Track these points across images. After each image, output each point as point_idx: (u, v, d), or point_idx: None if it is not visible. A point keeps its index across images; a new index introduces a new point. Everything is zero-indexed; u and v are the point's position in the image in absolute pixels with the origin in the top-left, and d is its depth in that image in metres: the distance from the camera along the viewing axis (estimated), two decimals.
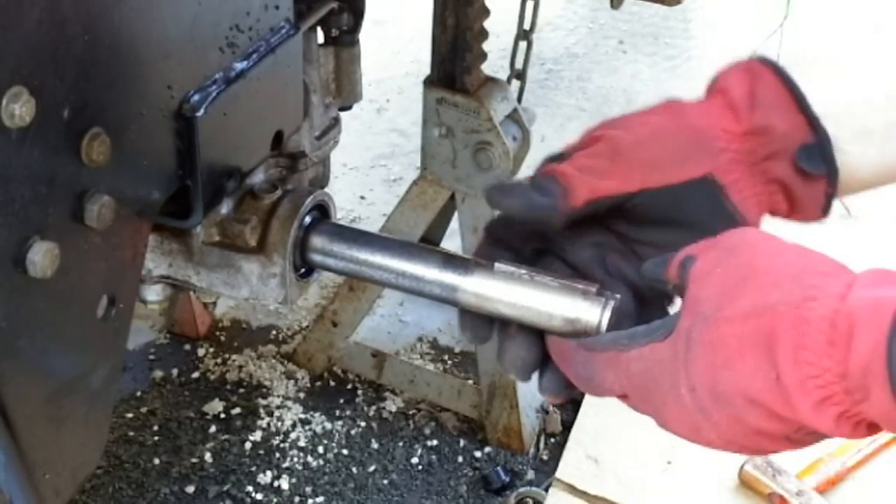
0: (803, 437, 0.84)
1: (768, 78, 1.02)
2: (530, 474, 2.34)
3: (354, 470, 2.33)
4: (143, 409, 2.43)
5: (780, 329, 0.80)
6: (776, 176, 1.01)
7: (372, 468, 2.34)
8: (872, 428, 0.82)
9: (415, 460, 2.36)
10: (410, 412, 2.46)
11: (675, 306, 0.99)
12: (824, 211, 1.03)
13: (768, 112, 1.00)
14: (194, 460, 2.33)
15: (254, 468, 2.32)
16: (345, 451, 2.37)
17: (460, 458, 2.37)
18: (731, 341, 0.83)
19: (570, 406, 2.45)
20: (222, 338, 2.64)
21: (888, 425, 0.80)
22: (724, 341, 0.83)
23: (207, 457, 2.33)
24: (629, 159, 1.00)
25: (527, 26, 2.47)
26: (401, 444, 2.39)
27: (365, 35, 1.54)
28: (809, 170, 0.99)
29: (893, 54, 1.02)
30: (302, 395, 2.50)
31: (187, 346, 2.61)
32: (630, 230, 1.03)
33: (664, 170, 1.00)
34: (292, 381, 2.53)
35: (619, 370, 0.93)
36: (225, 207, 1.19)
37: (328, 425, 2.42)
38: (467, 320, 1.07)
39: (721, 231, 0.94)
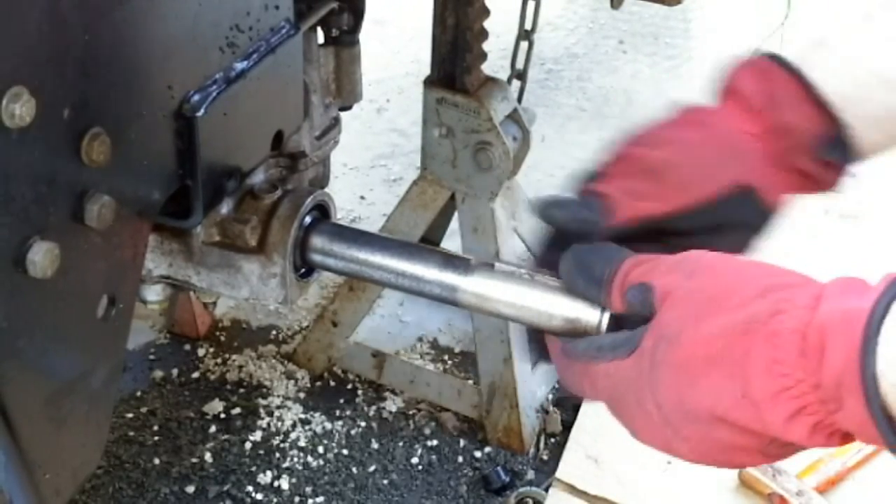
0: (777, 449, 0.84)
1: (779, 74, 1.03)
2: (530, 474, 2.34)
3: (354, 470, 2.33)
4: (143, 409, 2.43)
5: (751, 345, 0.81)
6: (798, 167, 1.04)
7: (372, 468, 2.34)
8: (846, 437, 0.82)
9: (415, 460, 2.36)
10: (410, 412, 2.46)
11: None
12: (838, 184, 1.06)
13: (784, 109, 1.02)
14: (194, 460, 2.33)
15: (254, 468, 2.32)
16: (345, 451, 2.37)
17: (460, 458, 2.37)
18: (697, 361, 0.83)
19: (571, 406, 2.45)
20: (222, 338, 2.64)
21: (862, 435, 0.80)
22: (689, 362, 0.84)
23: (207, 457, 2.33)
24: (665, 181, 1.01)
25: (528, 26, 2.47)
26: (401, 444, 2.39)
27: (365, 35, 1.54)
28: (830, 159, 1.02)
29: (883, 39, 1.04)
30: (302, 395, 2.50)
31: (187, 346, 2.61)
32: (673, 240, 1.03)
33: (699, 185, 1.02)
34: (292, 381, 2.53)
35: (590, 382, 0.94)
36: (225, 207, 1.19)
37: (328, 425, 2.42)
38: (534, 345, 1.07)
39: (761, 229, 0.98)
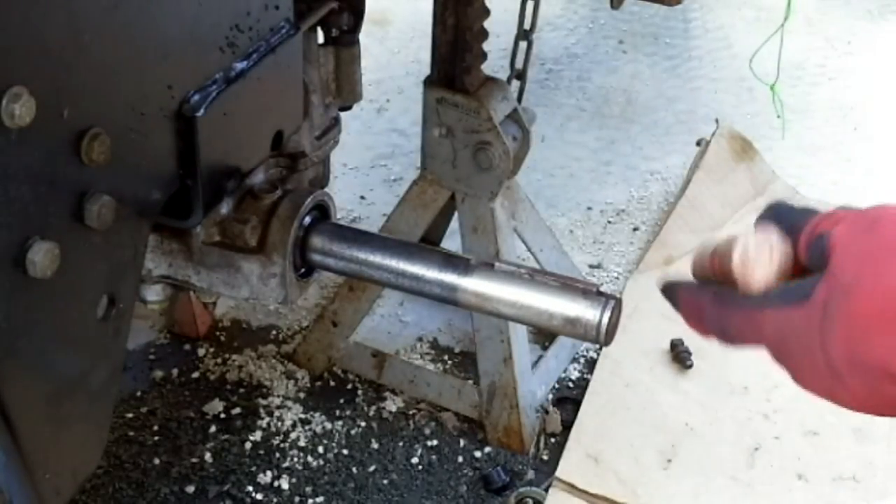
0: None
1: None
2: (530, 474, 2.33)
3: (354, 470, 2.33)
4: (144, 409, 2.43)
5: None
6: None
7: (372, 468, 2.34)
8: None
9: (415, 460, 2.36)
10: (410, 412, 2.46)
11: None
12: None
13: None
14: (194, 460, 2.33)
15: (254, 468, 2.32)
16: (345, 451, 2.37)
17: (460, 458, 2.37)
18: (872, 315, 0.82)
19: (571, 406, 2.45)
20: (222, 338, 2.64)
21: None
22: (864, 314, 0.83)
23: (207, 457, 2.33)
24: None
25: (527, 26, 2.47)
26: (401, 444, 2.39)
27: (365, 35, 1.54)
28: None
29: None
30: (302, 395, 2.50)
31: (187, 346, 2.61)
32: None
33: None
34: (292, 381, 2.52)
35: (755, 328, 0.93)
36: (225, 207, 1.19)
37: (328, 425, 2.42)
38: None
39: None
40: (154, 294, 1.25)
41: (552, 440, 2.40)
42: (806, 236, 0.93)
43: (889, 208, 0.89)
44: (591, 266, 2.88)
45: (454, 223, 2.43)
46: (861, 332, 0.83)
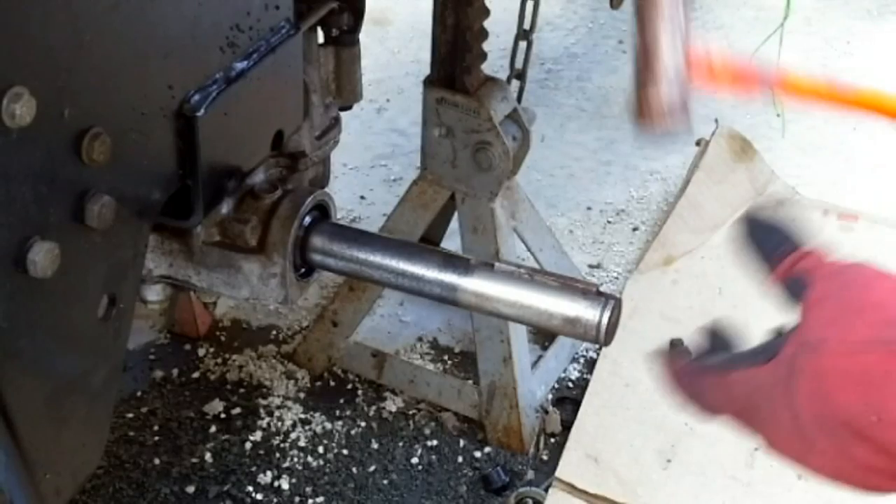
0: None
1: None
2: (530, 474, 2.34)
3: (354, 470, 2.33)
4: (144, 409, 2.43)
5: (889, 366, 0.80)
6: None
7: (372, 468, 2.34)
8: None
9: (415, 460, 2.36)
10: (410, 412, 2.46)
11: None
12: None
13: None
14: (194, 460, 2.33)
15: (254, 468, 2.32)
16: (345, 451, 2.37)
17: (460, 458, 2.37)
18: (836, 375, 0.83)
19: (571, 406, 2.45)
20: (222, 338, 2.64)
21: None
22: (829, 372, 0.83)
23: (208, 457, 2.33)
24: None
25: (527, 26, 2.47)
26: (401, 444, 2.39)
27: (365, 35, 1.54)
28: None
29: None
30: (302, 395, 2.50)
31: (187, 346, 2.61)
32: None
33: None
34: (292, 381, 2.53)
35: (724, 392, 0.94)
36: (225, 207, 1.19)
37: (328, 425, 2.42)
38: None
39: None
40: (154, 294, 1.25)
41: (552, 440, 2.40)
42: (784, 272, 0.94)
43: (865, 269, 0.90)
44: (590, 266, 2.89)
45: (454, 223, 2.43)
46: (826, 389, 0.83)
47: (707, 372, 0.96)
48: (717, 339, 0.99)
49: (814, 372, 0.84)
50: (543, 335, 2.61)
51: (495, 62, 2.46)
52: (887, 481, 0.85)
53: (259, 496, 2.26)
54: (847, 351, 0.83)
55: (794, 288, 0.92)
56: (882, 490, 0.87)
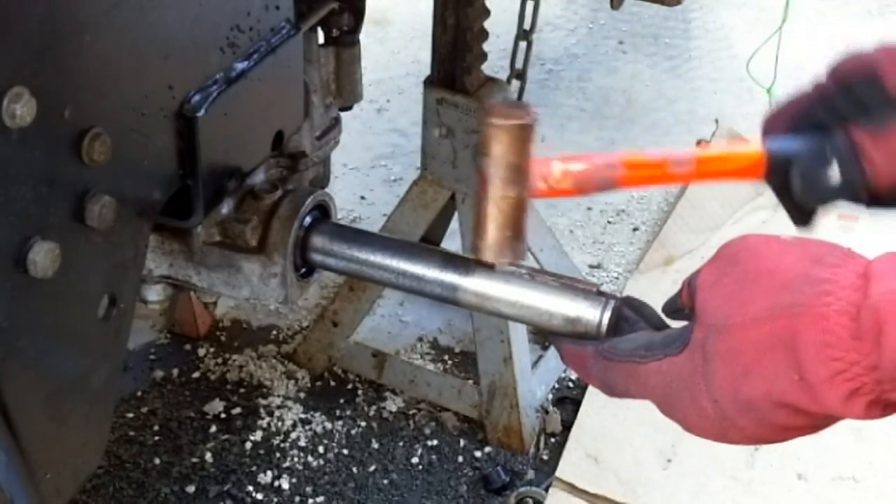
0: (827, 421, 0.85)
1: None
2: (530, 474, 2.34)
3: (355, 470, 2.33)
4: (144, 409, 2.43)
5: (798, 329, 0.81)
6: None
7: (372, 468, 2.34)
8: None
9: (415, 460, 2.36)
10: (411, 412, 2.46)
11: None
12: None
13: None
14: (195, 460, 2.33)
15: (254, 468, 2.32)
16: (345, 451, 2.37)
17: (460, 458, 2.37)
18: (748, 348, 0.83)
19: (571, 406, 2.45)
20: (223, 338, 2.64)
21: None
22: (741, 349, 0.84)
23: (208, 457, 2.33)
24: None
25: (527, 26, 2.47)
26: (401, 443, 2.39)
27: (365, 35, 1.54)
28: None
29: None
30: (302, 394, 2.50)
31: (188, 346, 2.61)
32: None
33: None
34: (293, 381, 2.53)
35: (639, 382, 0.93)
36: (225, 207, 1.19)
37: (328, 425, 2.42)
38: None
39: None
40: (155, 294, 1.25)
41: (552, 440, 2.40)
42: (687, 280, 0.94)
43: (749, 238, 0.90)
44: (591, 266, 2.89)
45: (454, 223, 2.44)
46: (741, 369, 0.84)
47: (619, 360, 0.95)
48: (625, 322, 1.00)
49: (725, 351, 0.85)
50: (543, 335, 2.61)
51: (495, 62, 2.46)
52: (805, 432, 0.86)
53: (259, 496, 2.26)
54: (754, 323, 0.83)
55: (691, 287, 0.92)
56: (795, 437, 0.88)
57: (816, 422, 0.84)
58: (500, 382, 2.35)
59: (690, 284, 0.92)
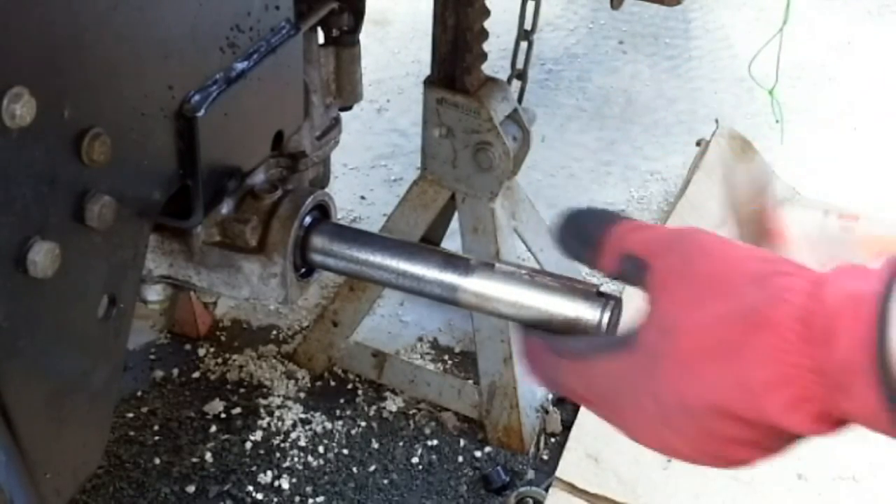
0: (774, 442, 0.83)
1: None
2: (530, 474, 2.34)
3: (355, 470, 2.33)
4: (144, 409, 2.44)
5: (749, 334, 0.79)
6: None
7: (372, 468, 2.34)
8: (843, 424, 0.81)
9: (415, 460, 2.36)
10: (411, 412, 2.47)
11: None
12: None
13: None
14: (195, 460, 2.33)
15: (254, 468, 2.32)
16: (345, 451, 2.37)
17: (460, 458, 2.37)
18: (696, 352, 0.82)
19: (571, 406, 2.45)
20: (223, 338, 2.64)
21: (869, 421, 0.78)
22: (689, 352, 0.83)
23: (208, 456, 2.34)
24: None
25: (527, 26, 2.48)
26: (401, 443, 2.39)
27: (365, 35, 1.54)
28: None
29: None
30: (302, 394, 2.50)
31: (188, 346, 2.61)
32: None
33: None
34: (293, 381, 2.53)
35: (583, 380, 0.92)
36: (225, 207, 1.19)
37: (328, 425, 2.42)
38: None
39: None
40: (155, 294, 1.25)
41: (552, 440, 2.40)
42: (612, 249, 0.92)
43: (701, 236, 0.89)
44: None
45: (454, 223, 2.44)
46: (688, 371, 0.82)
47: (564, 356, 0.94)
48: None
49: (674, 355, 0.83)
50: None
51: (496, 62, 2.46)
52: (748, 451, 0.84)
53: (259, 496, 2.26)
54: (704, 329, 0.82)
55: (632, 269, 0.90)
56: (741, 463, 0.85)
57: (759, 437, 0.82)
58: (500, 382, 2.35)
59: (633, 266, 0.90)
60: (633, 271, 0.90)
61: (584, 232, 0.95)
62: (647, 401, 0.86)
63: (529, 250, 2.50)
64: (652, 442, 0.89)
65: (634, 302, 1.00)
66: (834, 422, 0.80)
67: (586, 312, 1.00)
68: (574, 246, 0.96)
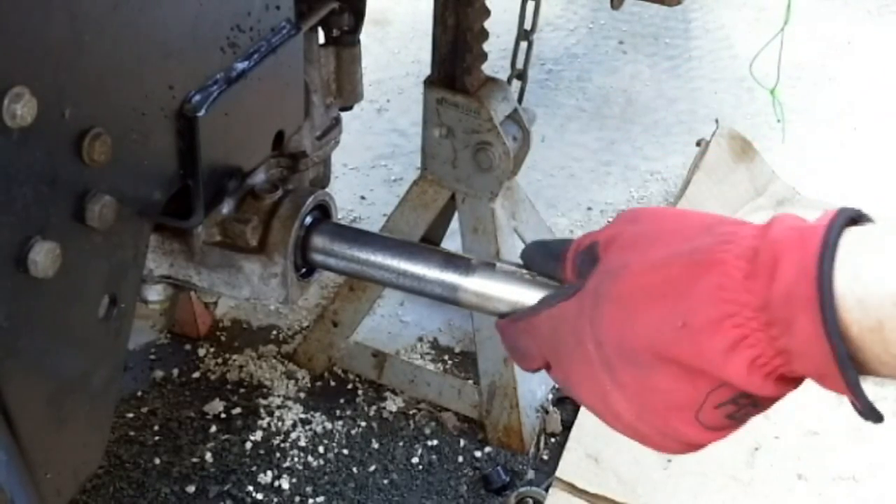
0: (713, 414, 0.80)
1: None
2: (530, 474, 2.34)
3: (355, 470, 2.33)
4: (144, 409, 2.43)
5: (694, 275, 0.78)
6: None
7: (372, 468, 2.34)
8: (786, 382, 0.79)
9: (415, 460, 2.36)
10: (411, 412, 2.46)
11: None
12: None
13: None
14: (195, 460, 2.33)
15: (254, 468, 2.32)
16: (345, 451, 2.37)
17: (460, 458, 2.37)
18: (639, 293, 0.81)
19: (571, 406, 2.45)
20: (223, 338, 2.64)
21: (809, 364, 0.76)
22: (632, 294, 0.82)
23: (208, 456, 2.33)
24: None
25: (527, 26, 2.47)
26: (401, 443, 2.39)
27: (365, 35, 1.54)
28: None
29: None
30: (302, 394, 2.50)
31: (188, 346, 2.61)
32: None
33: None
34: (293, 381, 2.53)
35: (533, 333, 0.93)
36: (226, 207, 1.19)
37: (329, 425, 2.42)
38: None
39: None
40: (155, 294, 1.25)
41: (552, 440, 2.40)
42: (572, 254, 0.94)
43: (648, 207, 0.91)
44: None
45: (454, 223, 2.44)
46: (628, 312, 0.82)
47: (520, 318, 0.96)
48: None
49: (617, 295, 0.83)
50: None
51: (496, 62, 2.46)
52: (688, 423, 0.82)
53: (259, 496, 2.26)
54: (649, 268, 0.82)
55: (588, 259, 0.91)
56: (682, 437, 0.84)
57: (700, 399, 0.79)
58: (500, 382, 2.35)
59: (587, 248, 0.92)
60: (587, 256, 0.91)
61: (549, 247, 0.99)
62: (588, 343, 0.85)
63: None
64: (595, 401, 0.88)
65: None
66: (774, 375, 0.78)
67: None
68: (539, 260, 0.99)
